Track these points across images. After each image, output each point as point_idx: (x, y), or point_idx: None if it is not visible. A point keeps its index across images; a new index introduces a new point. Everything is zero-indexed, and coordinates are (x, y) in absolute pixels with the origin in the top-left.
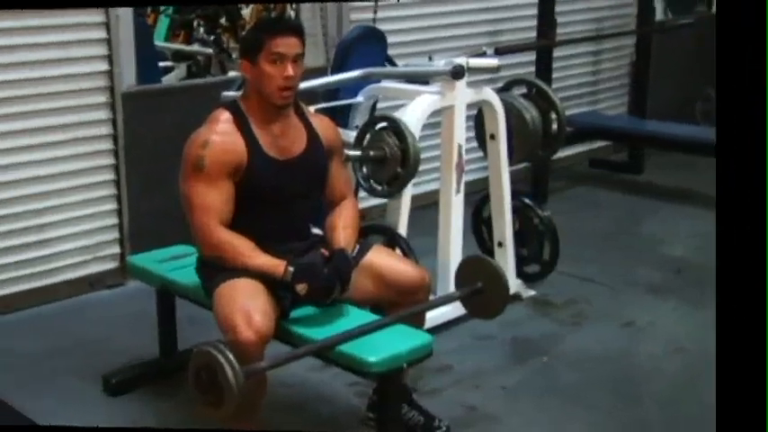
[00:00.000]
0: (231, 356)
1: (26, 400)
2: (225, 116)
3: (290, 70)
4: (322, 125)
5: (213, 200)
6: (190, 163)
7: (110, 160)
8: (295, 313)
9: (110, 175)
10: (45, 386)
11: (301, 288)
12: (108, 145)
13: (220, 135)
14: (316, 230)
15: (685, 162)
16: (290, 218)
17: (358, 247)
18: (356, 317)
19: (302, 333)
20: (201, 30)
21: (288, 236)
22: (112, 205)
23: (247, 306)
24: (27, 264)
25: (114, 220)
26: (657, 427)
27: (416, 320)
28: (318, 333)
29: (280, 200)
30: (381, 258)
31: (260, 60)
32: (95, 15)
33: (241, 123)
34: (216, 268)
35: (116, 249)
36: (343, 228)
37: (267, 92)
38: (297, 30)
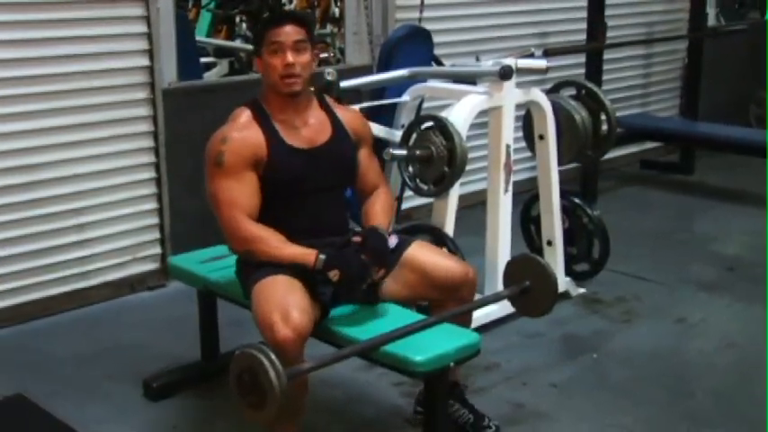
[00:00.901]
0: (274, 358)
1: (65, 406)
2: (245, 113)
3: (289, 58)
4: (348, 116)
5: (238, 194)
6: (211, 160)
7: (150, 158)
8: (338, 313)
9: (150, 174)
10: (84, 391)
11: (333, 275)
12: (148, 142)
13: (238, 130)
14: (357, 229)
15: (736, 163)
16: (319, 211)
17: (397, 239)
18: (401, 317)
19: (347, 333)
20: (244, 25)
21: (321, 230)
22: (153, 204)
23: (284, 303)
24: (66, 265)
25: (155, 220)
26: (710, 421)
27: (462, 320)
28: (363, 333)
29: (305, 190)
30: (424, 254)
31: (263, 53)
32: (136, 8)
33: (260, 118)
34: (253, 267)
35: (157, 250)
36: (378, 211)
37: (272, 82)
38: (294, 18)
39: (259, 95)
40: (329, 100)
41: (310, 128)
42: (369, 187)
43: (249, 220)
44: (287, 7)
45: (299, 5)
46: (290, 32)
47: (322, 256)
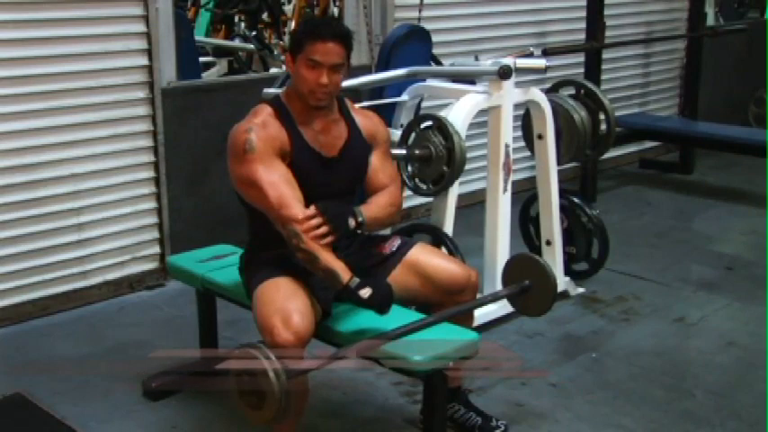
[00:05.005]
0: (273, 358)
1: (65, 405)
2: (267, 109)
3: (324, 79)
4: (365, 122)
5: (277, 177)
6: (239, 149)
7: (149, 157)
8: (338, 313)
9: (149, 173)
10: (84, 391)
11: (365, 292)
12: (148, 142)
13: (262, 124)
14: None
15: (735, 163)
16: None
17: (399, 241)
18: (401, 316)
19: (346, 333)
20: (243, 25)
21: None
22: (152, 204)
23: (286, 307)
24: (65, 265)
25: (154, 219)
26: (710, 420)
27: (464, 321)
28: (363, 333)
29: (317, 195)
30: (427, 257)
31: (299, 60)
32: (135, 8)
33: (283, 117)
34: (255, 267)
35: (156, 249)
36: (372, 202)
37: (300, 91)
38: (340, 38)
39: (282, 94)
40: (348, 104)
41: (328, 134)
42: (377, 188)
43: (296, 200)
44: (286, 7)
45: (299, 5)
46: (331, 52)
47: (356, 279)
